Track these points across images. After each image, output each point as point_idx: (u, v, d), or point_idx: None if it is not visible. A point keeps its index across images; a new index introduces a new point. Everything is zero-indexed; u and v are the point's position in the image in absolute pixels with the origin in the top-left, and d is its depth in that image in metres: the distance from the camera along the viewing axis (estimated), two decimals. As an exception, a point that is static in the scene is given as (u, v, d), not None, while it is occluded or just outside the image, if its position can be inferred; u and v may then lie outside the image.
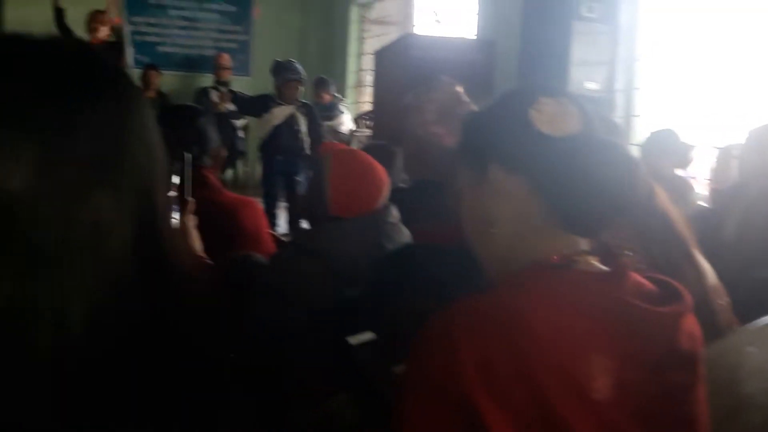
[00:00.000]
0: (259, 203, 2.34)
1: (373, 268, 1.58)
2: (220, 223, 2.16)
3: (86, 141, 0.58)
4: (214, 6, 8.80)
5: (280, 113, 5.58)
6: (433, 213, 2.52)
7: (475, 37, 6.31)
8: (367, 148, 2.93)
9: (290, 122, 5.58)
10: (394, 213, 1.88)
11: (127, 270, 0.59)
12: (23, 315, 0.54)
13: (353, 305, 1.50)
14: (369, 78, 8.45)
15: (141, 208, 0.61)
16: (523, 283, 0.95)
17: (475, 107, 2.64)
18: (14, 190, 0.55)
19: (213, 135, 2.24)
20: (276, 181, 5.57)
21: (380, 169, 1.90)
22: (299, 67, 5.88)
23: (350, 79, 8.62)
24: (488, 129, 1.05)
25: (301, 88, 5.79)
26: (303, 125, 5.62)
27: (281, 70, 5.68)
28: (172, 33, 8.65)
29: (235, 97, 6.53)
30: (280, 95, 5.61)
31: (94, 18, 6.76)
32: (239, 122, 7.99)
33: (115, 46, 6.70)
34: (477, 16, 6.34)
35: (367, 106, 8.28)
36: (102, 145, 0.60)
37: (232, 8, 8.87)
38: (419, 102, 2.54)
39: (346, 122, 7.39)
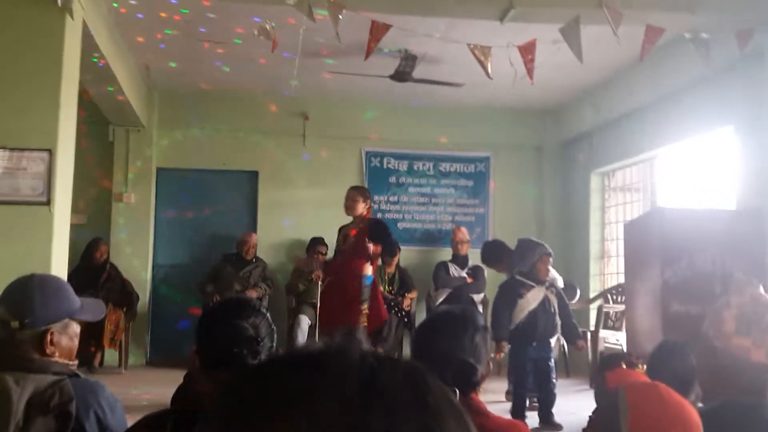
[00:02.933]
0: (527, 427, 2.04)
1: None
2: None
3: None
4: (452, 182, 8.98)
5: (534, 296, 5.25)
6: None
7: (735, 208, 5.78)
8: (661, 349, 2.55)
9: (545, 305, 5.26)
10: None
11: None
12: None
13: None
14: (614, 248, 8.03)
15: None
16: None
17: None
18: None
19: (485, 352, 2.02)
20: (528, 368, 5.17)
21: (692, 410, 1.54)
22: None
23: (593, 249, 8.23)
24: None
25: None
26: (555, 307, 5.26)
27: (534, 246, 5.43)
28: (411, 209, 8.90)
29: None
30: (531, 274, 5.30)
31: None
32: (478, 296, 7.86)
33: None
34: (737, 186, 5.83)
35: (612, 279, 7.81)
36: None
37: (469, 182, 9.01)
38: (717, 308, 2.17)
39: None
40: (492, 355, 5.15)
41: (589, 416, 2.49)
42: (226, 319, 1.82)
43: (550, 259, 5.37)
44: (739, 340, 2.08)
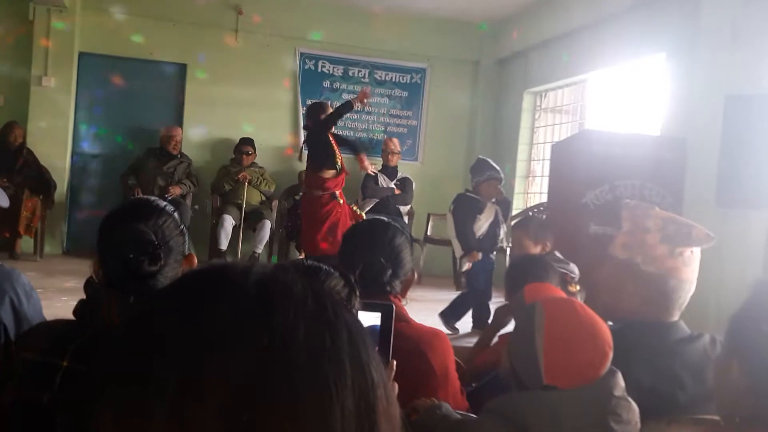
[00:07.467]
0: (446, 337, 2.08)
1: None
2: (407, 358, 1.96)
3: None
4: (386, 90, 8.87)
5: (489, 213, 5.55)
6: (647, 359, 2.16)
7: (660, 134, 5.92)
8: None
9: (495, 221, 5.61)
10: (621, 383, 1.56)
11: None
12: None
13: None
14: (539, 168, 8.16)
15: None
16: None
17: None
18: None
19: (407, 257, 2.02)
20: (485, 278, 5.49)
21: (604, 327, 1.60)
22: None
23: (520, 168, 8.33)
24: None
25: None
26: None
27: (485, 168, 5.65)
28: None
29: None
30: (476, 193, 5.59)
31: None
32: (405, 208, 7.93)
33: None
34: (664, 113, 5.95)
35: (536, 198, 7.97)
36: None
37: (403, 93, 8.92)
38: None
39: None
40: (466, 264, 5.42)
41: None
42: (123, 224, 1.64)
43: (500, 185, 5.58)
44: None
